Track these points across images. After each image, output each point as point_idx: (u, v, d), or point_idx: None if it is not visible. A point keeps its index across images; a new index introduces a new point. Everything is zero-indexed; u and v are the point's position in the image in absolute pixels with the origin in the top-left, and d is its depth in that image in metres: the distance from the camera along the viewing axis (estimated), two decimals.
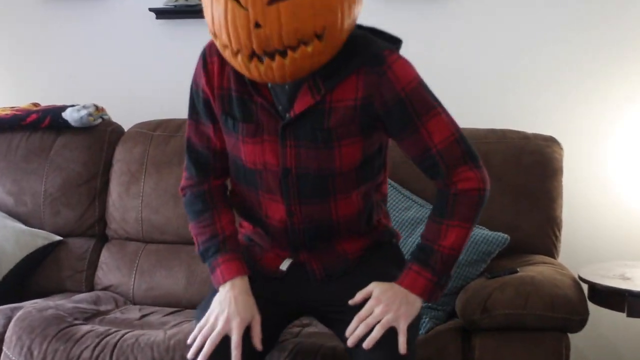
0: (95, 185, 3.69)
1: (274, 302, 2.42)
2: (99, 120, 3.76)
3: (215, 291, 2.39)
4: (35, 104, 3.89)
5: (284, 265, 2.45)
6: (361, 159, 2.30)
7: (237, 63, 2.15)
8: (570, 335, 2.64)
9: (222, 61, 2.30)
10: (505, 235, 3.06)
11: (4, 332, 3.02)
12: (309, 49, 2.10)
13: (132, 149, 3.66)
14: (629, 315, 2.87)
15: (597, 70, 3.71)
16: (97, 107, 3.75)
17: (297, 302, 2.46)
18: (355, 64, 2.20)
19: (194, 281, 3.44)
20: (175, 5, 3.97)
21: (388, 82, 2.19)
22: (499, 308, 2.60)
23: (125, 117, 3.86)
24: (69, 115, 3.69)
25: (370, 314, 2.24)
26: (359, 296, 2.29)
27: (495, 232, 3.09)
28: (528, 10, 3.76)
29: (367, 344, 2.20)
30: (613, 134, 3.72)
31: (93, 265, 3.64)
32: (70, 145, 3.71)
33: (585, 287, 2.90)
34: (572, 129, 3.69)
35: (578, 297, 2.65)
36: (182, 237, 3.50)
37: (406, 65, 2.25)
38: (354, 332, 2.24)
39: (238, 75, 2.28)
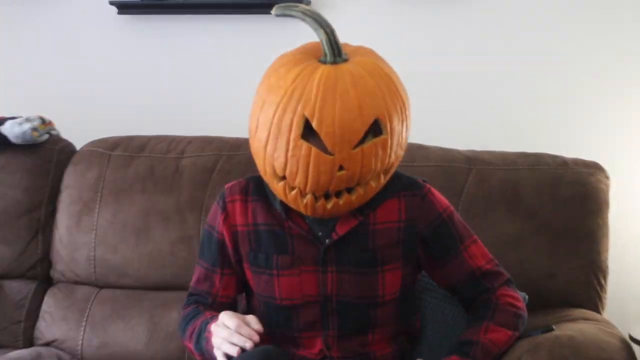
0: (38, 217, 3.59)
1: None
2: (46, 137, 3.65)
3: None
4: None
5: None
6: (401, 288, 2.58)
7: (303, 203, 2.44)
8: None
9: (245, 199, 2.62)
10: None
11: None
12: (374, 183, 2.47)
13: (85, 172, 3.55)
14: None
15: None
16: (43, 121, 3.64)
17: None
18: (394, 189, 2.57)
19: (157, 336, 3.35)
20: None
21: (430, 204, 2.59)
22: None
23: (78, 133, 3.77)
24: (8, 129, 3.58)
25: None
26: None
27: None
28: (563, 17, 3.73)
29: None
30: None
31: (33, 314, 3.53)
32: (9, 167, 3.60)
33: (637, 349, 2.84)
34: (620, 153, 3.65)
35: None
36: (143, 282, 3.46)
37: (439, 193, 2.65)
38: None
39: (265, 210, 2.59)
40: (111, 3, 3.97)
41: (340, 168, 2.37)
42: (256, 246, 2.58)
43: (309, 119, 2.35)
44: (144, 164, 3.52)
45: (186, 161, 3.48)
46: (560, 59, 3.72)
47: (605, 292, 3.15)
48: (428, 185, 2.63)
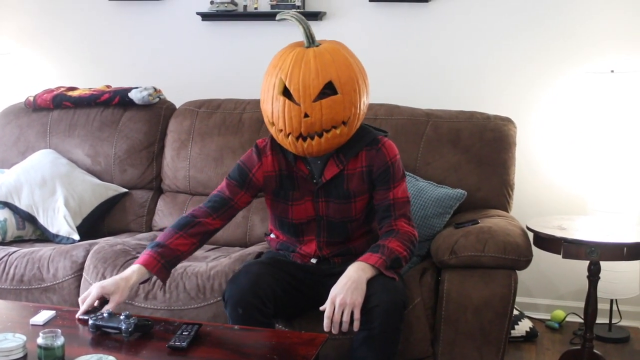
0: (153, 150, 3.63)
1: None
2: (157, 100, 3.70)
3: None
4: (108, 86, 3.84)
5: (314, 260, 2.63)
6: (366, 208, 2.56)
7: (288, 142, 2.41)
8: (518, 272, 2.61)
9: (273, 154, 2.54)
10: (463, 191, 3.05)
11: (84, 261, 3.02)
12: (338, 131, 2.38)
13: (182, 122, 3.59)
14: (564, 257, 2.86)
15: (547, 65, 3.66)
16: (155, 89, 3.70)
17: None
18: (360, 146, 2.50)
19: (229, 225, 3.05)
20: (217, 10, 3.91)
21: (382, 155, 2.50)
22: (464, 251, 2.59)
23: (177, 97, 3.81)
24: (133, 95, 3.65)
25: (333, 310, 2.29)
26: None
27: (455, 189, 3.05)
28: (493, 18, 3.69)
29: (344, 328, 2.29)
30: (558, 116, 3.66)
31: (151, 211, 3.60)
32: (134, 119, 3.65)
33: (530, 235, 2.88)
34: (525, 111, 3.65)
35: (525, 243, 2.63)
36: None
37: (392, 145, 2.54)
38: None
39: (284, 160, 2.53)
40: (197, 13, 3.96)
41: (306, 115, 2.33)
42: (280, 185, 2.54)
43: (284, 80, 2.34)
44: (219, 117, 3.53)
45: (246, 115, 3.49)
46: (493, 49, 3.69)
47: (512, 199, 3.19)
48: (384, 140, 2.53)
